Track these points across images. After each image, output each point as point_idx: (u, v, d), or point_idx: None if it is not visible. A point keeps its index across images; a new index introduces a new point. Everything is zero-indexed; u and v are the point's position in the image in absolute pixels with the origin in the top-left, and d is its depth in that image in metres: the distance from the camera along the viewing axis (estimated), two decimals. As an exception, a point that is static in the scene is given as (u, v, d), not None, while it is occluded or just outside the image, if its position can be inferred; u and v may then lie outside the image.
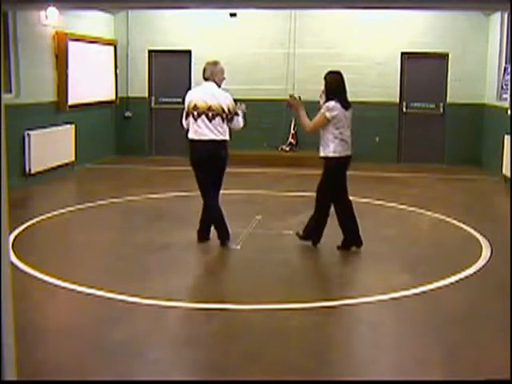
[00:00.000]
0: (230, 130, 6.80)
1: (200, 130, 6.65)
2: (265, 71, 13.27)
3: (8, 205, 2.00)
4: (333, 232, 7.51)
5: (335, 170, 6.62)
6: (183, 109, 6.95)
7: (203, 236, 6.89)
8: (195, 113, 6.69)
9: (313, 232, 6.71)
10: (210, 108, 6.63)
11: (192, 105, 6.75)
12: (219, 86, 6.79)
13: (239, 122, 6.83)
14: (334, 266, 6.47)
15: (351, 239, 6.66)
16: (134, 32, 13.58)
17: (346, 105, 6.64)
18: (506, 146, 10.84)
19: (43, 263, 6.10)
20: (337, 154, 6.55)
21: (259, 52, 13.24)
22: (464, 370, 4.15)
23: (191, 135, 6.75)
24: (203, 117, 6.64)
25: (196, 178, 6.83)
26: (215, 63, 6.83)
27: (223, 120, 6.65)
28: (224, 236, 6.74)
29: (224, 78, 6.90)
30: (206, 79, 6.83)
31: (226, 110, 6.65)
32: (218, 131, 6.63)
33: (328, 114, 6.50)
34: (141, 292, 5.33)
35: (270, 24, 13.13)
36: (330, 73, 6.95)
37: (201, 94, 6.78)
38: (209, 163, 6.69)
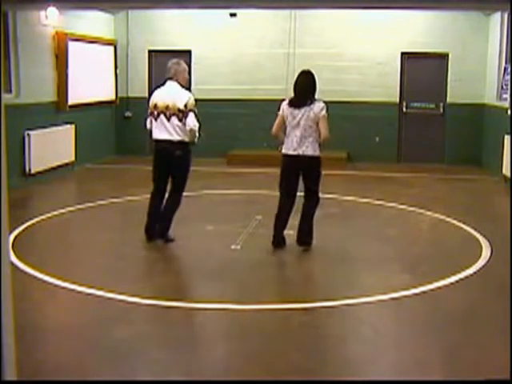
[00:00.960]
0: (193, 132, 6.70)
1: (157, 130, 6.71)
2: (265, 71, 13.27)
3: (8, 205, 2.00)
4: (332, 232, 7.52)
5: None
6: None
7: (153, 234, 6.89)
8: (155, 112, 6.72)
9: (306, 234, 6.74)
10: (167, 107, 6.63)
11: (153, 104, 6.78)
12: (182, 86, 6.79)
13: (192, 119, 6.63)
14: (334, 266, 6.46)
15: (298, 235, 6.73)
16: (134, 32, 13.57)
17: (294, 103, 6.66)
18: (506, 146, 10.84)
19: (43, 263, 6.10)
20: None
21: (259, 52, 13.23)
22: (464, 370, 4.15)
23: (153, 135, 6.80)
24: (162, 116, 6.67)
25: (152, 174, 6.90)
26: (178, 63, 6.87)
27: (179, 120, 6.61)
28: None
29: (187, 78, 6.92)
30: (169, 78, 6.83)
31: (183, 108, 6.59)
32: (175, 131, 6.63)
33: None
34: (141, 292, 5.33)
35: (270, 24, 13.13)
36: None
37: (162, 93, 6.78)
38: (163, 162, 6.75)
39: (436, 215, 8.38)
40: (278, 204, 6.80)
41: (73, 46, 11.30)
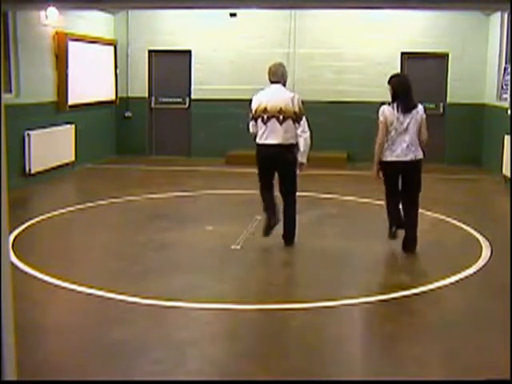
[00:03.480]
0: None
1: (267, 134, 6.69)
2: (265, 71, 13.23)
3: (8, 205, 2.00)
4: (333, 232, 7.52)
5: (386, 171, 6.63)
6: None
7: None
8: (265, 116, 6.66)
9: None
10: (280, 111, 6.61)
11: (262, 108, 6.69)
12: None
13: (305, 125, 6.79)
14: (334, 265, 6.46)
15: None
16: (133, 32, 13.57)
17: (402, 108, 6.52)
18: (506, 146, 10.84)
19: (43, 263, 6.10)
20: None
21: (259, 52, 13.22)
22: (464, 370, 4.15)
23: (261, 139, 6.75)
24: (273, 120, 6.64)
25: None
26: (283, 65, 6.93)
27: (293, 123, 6.66)
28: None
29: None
30: (276, 82, 6.79)
31: (298, 112, 6.63)
32: (288, 135, 6.68)
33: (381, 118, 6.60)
34: (141, 292, 5.33)
35: (270, 24, 13.13)
36: (393, 77, 6.88)
37: (271, 96, 6.72)
38: (271, 166, 6.83)
39: (436, 215, 8.38)
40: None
41: (73, 46, 11.30)
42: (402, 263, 6.47)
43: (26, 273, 5.78)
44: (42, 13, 10.48)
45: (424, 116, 6.56)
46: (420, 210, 8.57)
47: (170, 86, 13.78)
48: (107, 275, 5.95)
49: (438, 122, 13.18)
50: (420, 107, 6.57)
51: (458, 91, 12.92)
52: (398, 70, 13.09)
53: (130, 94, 13.74)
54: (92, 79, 12.29)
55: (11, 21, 9.78)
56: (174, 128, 13.82)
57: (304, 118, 6.65)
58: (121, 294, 5.28)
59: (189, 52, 13.46)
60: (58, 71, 11.07)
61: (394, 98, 6.59)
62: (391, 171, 6.58)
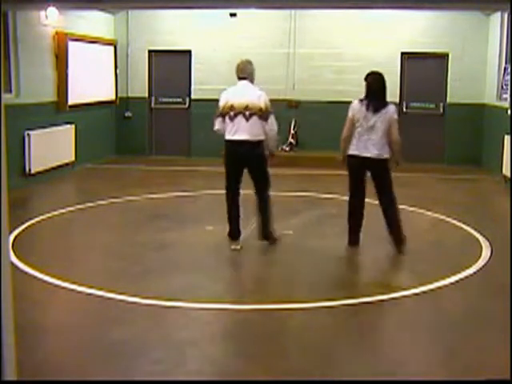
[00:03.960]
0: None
1: (234, 131, 6.76)
2: (265, 71, 13.23)
3: (8, 205, 2.00)
4: (333, 232, 7.51)
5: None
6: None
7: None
8: (231, 113, 6.74)
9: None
10: (247, 107, 6.69)
11: (228, 105, 6.77)
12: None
13: (273, 121, 6.89)
14: (334, 266, 6.46)
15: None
16: (133, 32, 13.57)
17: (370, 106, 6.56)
18: (506, 146, 10.84)
19: (43, 263, 6.10)
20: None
21: (259, 52, 13.20)
22: (464, 370, 4.15)
23: (228, 135, 6.82)
24: (240, 117, 6.71)
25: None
26: (251, 62, 6.98)
27: (260, 119, 6.73)
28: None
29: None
30: (243, 78, 6.87)
31: (264, 108, 6.73)
32: (255, 131, 6.73)
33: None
34: (141, 292, 5.33)
35: (270, 24, 13.13)
36: (369, 74, 6.89)
37: (238, 93, 6.81)
38: (240, 163, 6.85)
39: (436, 215, 8.38)
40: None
41: (73, 46, 11.30)
42: (402, 263, 6.47)
43: (26, 273, 5.78)
44: (42, 13, 10.48)
45: (394, 117, 6.55)
46: (420, 210, 8.61)
47: (170, 86, 13.78)
48: (107, 275, 5.95)
49: (438, 121, 13.19)
50: (390, 108, 6.57)
51: (458, 91, 12.92)
52: (398, 70, 13.12)
53: (130, 94, 13.75)
54: (92, 79, 12.29)
55: (11, 21, 9.78)
56: (173, 128, 13.82)
57: (272, 116, 6.75)
58: (121, 293, 5.28)
59: (189, 52, 13.46)
60: (58, 71, 11.07)
61: (366, 94, 6.64)
62: (353, 165, 6.64)
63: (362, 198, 6.74)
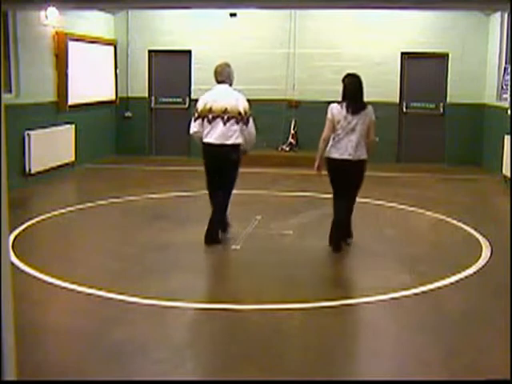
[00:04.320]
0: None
1: (211, 134, 6.81)
2: (265, 71, 13.27)
3: (8, 205, 2.00)
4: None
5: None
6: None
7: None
8: (210, 116, 6.78)
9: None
10: (225, 111, 6.73)
11: (207, 108, 6.82)
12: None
13: (252, 125, 6.96)
14: (334, 266, 6.47)
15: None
16: (133, 32, 13.57)
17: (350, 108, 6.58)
18: (506, 146, 10.84)
19: (43, 263, 6.10)
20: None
21: (259, 52, 13.23)
22: (464, 370, 4.15)
23: (206, 138, 6.88)
24: (218, 120, 6.76)
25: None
26: (229, 65, 7.07)
27: (237, 123, 6.78)
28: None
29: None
30: (222, 81, 6.95)
31: (242, 112, 6.76)
32: (233, 135, 6.80)
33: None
34: (141, 292, 5.33)
35: (270, 24, 13.13)
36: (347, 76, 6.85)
37: (217, 96, 6.88)
38: (217, 166, 6.95)
39: (436, 215, 8.38)
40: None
41: (73, 46, 11.30)
42: (402, 263, 6.47)
43: (26, 273, 5.77)
44: (42, 13, 10.48)
45: (373, 118, 6.63)
46: (420, 210, 8.62)
47: (170, 85, 13.78)
48: (107, 275, 5.95)
49: (438, 121, 13.19)
50: (369, 109, 6.62)
51: (457, 91, 12.91)
52: (398, 70, 13.12)
53: (130, 94, 13.75)
54: (92, 79, 12.29)
55: (11, 21, 9.78)
56: (173, 128, 13.82)
57: (251, 120, 6.77)
58: (121, 293, 5.28)
59: (189, 52, 13.46)
60: (58, 71, 11.07)
61: (344, 97, 6.62)
62: (334, 168, 6.66)
63: (346, 199, 6.77)
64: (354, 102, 6.55)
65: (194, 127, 6.87)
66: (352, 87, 6.60)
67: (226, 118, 6.66)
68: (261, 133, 13.06)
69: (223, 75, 6.89)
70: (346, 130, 6.53)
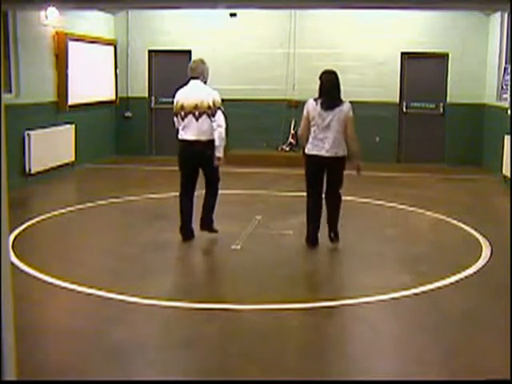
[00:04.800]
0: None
1: (185, 130, 6.83)
2: (265, 71, 13.26)
3: (8, 205, 2.00)
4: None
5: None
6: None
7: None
8: (182, 113, 6.79)
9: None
10: (196, 107, 6.71)
11: (179, 105, 6.84)
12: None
13: (221, 117, 6.83)
14: (334, 265, 6.47)
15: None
16: (133, 32, 13.57)
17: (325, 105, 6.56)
18: (506, 146, 10.84)
19: (43, 263, 6.10)
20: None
21: (259, 52, 13.23)
22: (464, 370, 4.15)
23: (181, 135, 6.91)
24: (190, 116, 6.75)
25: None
26: (204, 61, 7.07)
27: (209, 118, 6.73)
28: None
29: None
30: (194, 78, 6.93)
31: (212, 106, 6.70)
32: (206, 130, 6.76)
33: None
34: (141, 292, 5.33)
35: (270, 24, 13.13)
36: (323, 73, 6.85)
37: (188, 93, 6.85)
38: (192, 162, 6.91)
39: (436, 215, 8.38)
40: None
41: (73, 46, 11.30)
42: (402, 263, 6.47)
43: (26, 273, 5.77)
44: (42, 13, 10.49)
45: (350, 115, 6.58)
46: (420, 210, 8.62)
47: (170, 86, 13.73)
48: (107, 275, 5.95)
49: (438, 121, 13.19)
50: (346, 106, 6.58)
51: (457, 91, 12.91)
52: (398, 70, 13.12)
53: (130, 94, 13.75)
54: (92, 79, 12.29)
55: (11, 21, 9.79)
56: (173, 128, 13.80)
57: (219, 112, 6.69)
58: (121, 293, 5.28)
59: (189, 52, 13.45)
60: (58, 71, 11.07)
61: (320, 93, 6.61)
62: (311, 165, 6.67)
63: (319, 198, 6.75)
64: (328, 98, 6.53)
65: (176, 124, 6.95)
66: (328, 84, 6.59)
67: (197, 113, 6.67)
68: (261, 133, 13.20)
69: (196, 71, 6.89)
70: (321, 126, 6.53)
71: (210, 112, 6.66)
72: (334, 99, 6.55)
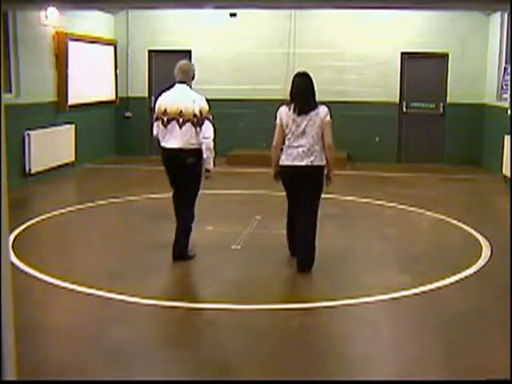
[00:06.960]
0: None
1: (167, 137, 6.31)
2: (265, 71, 13.27)
3: (8, 205, 2.00)
4: (332, 232, 7.51)
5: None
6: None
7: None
8: (165, 118, 6.28)
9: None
10: (180, 113, 6.19)
11: (161, 110, 6.34)
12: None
13: (209, 128, 6.23)
14: (334, 265, 6.46)
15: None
16: (133, 32, 13.58)
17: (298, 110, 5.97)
18: (506, 146, 10.84)
19: (43, 263, 6.10)
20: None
21: (259, 52, 13.23)
22: (464, 370, 4.15)
23: (162, 142, 6.40)
24: (173, 122, 6.23)
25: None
26: (188, 64, 6.53)
27: (194, 126, 6.19)
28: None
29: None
30: (181, 82, 6.38)
31: (198, 114, 6.15)
32: (189, 139, 6.21)
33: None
34: (141, 292, 5.33)
35: (270, 24, 13.13)
36: (296, 76, 6.22)
37: (173, 98, 6.34)
38: (173, 171, 6.41)
39: (436, 215, 8.38)
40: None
41: (73, 46, 11.30)
42: (402, 263, 6.46)
43: (26, 273, 5.77)
44: (42, 13, 10.49)
45: (327, 119, 5.93)
46: (420, 210, 8.61)
47: (171, 86, 13.75)
48: (107, 275, 5.95)
49: (438, 121, 13.19)
50: (322, 109, 5.95)
51: (457, 91, 12.91)
52: (398, 70, 13.12)
53: (130, 94, 13.75)
54: (92, 79, 12.29)
55: (11, 21, 9.79)
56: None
57: (207, 122, 6.10)
58: (121, 293, 5.28)
59: (189, 52, 13.45)
60: (58, 71, 11.07)
61: (292, 97, 6.04)
62: (286, 176, 6.11)
63: (303, 213, 6.09)
64: (301, 101, 5.93)
65: (154, 130, 6.42)
66: (301, 86, 5.98)
67: (181, 120, 6.12)
68: (261, 133, 13.18)
69: (187, 75, 6.35)
70: (295, 133, 5.94)
71: (196, 121, 6.08)
72: (307, 102, 5.93)
